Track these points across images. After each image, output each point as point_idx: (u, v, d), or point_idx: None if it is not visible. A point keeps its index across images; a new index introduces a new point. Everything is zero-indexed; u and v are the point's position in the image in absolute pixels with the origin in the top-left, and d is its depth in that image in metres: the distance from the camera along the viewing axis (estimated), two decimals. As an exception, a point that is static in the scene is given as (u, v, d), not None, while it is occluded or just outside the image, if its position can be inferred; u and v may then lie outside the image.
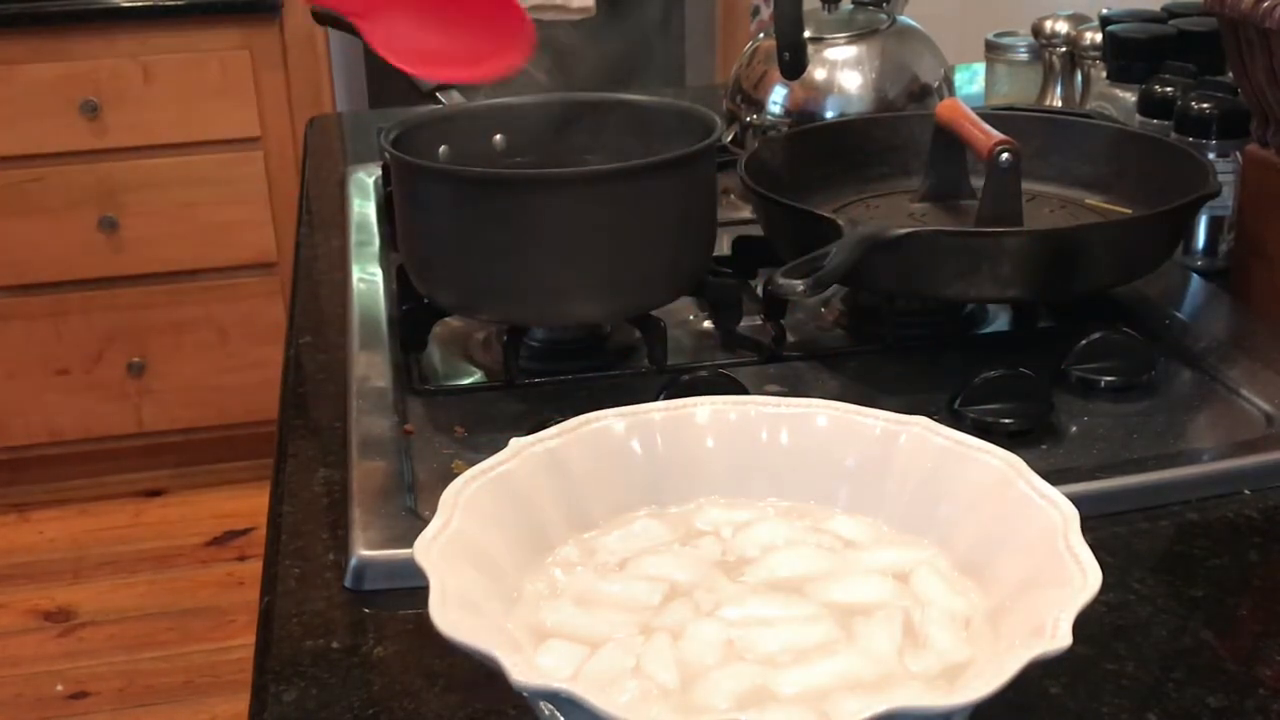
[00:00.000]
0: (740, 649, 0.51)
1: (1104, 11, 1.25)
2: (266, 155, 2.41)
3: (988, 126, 0.91)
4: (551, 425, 0.60)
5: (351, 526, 0.68)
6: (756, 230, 0.99)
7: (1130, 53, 1.15)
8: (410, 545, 0.50)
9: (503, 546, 0.54)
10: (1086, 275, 0.85)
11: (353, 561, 0.66)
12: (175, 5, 2.30)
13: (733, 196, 1.17)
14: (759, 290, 0.95)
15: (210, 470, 2.60)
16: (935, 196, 1.01)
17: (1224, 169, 0.99)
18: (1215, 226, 1.03)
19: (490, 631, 0.48)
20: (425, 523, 0.52)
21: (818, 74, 1.17)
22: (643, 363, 0.88)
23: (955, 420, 0.76)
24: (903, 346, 0.90)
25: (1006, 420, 0.77)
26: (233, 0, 2.31)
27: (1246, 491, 0.72)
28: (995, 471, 0.56)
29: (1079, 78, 1.30)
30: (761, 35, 1.24)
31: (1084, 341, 0.84)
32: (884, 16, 1.22)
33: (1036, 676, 0.56)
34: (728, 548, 0.58)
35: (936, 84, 1.20)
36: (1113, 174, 1.01)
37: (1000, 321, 0.96)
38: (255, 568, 1.93)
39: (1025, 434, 0.77)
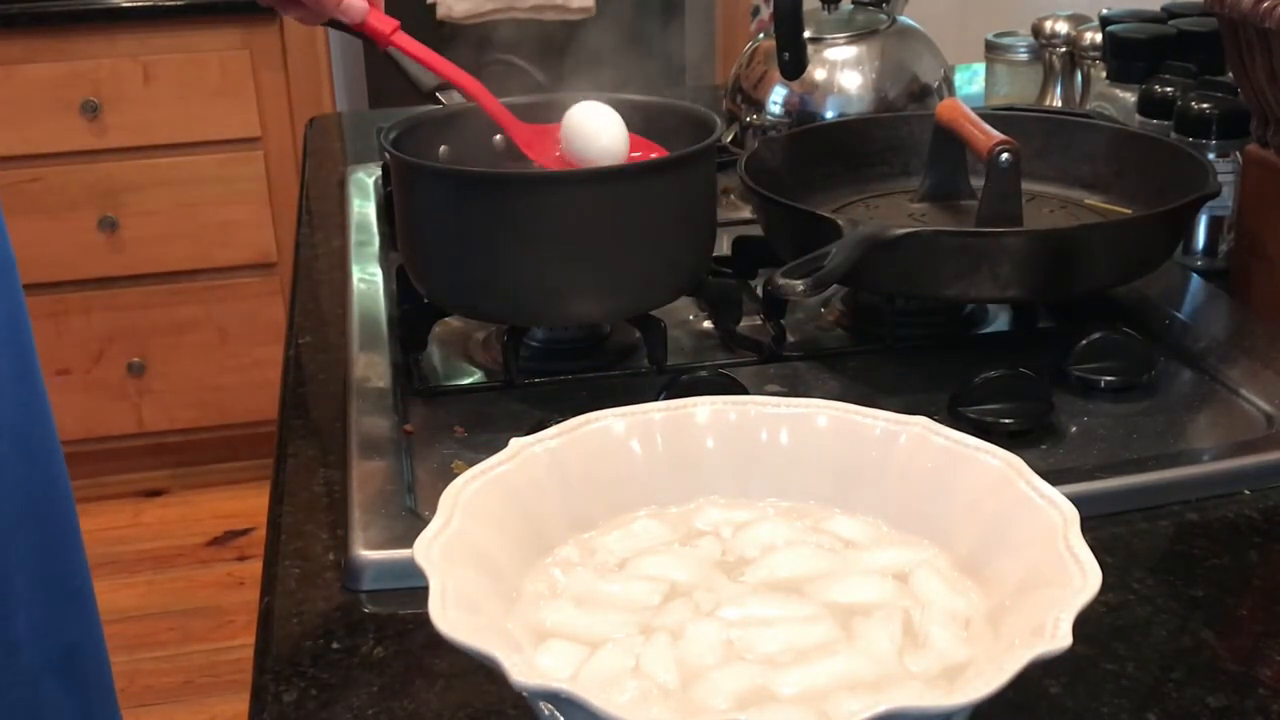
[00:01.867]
0: (740, 649, 0.51)
1: (1104, 11, 1.25)
2: (266, 155, 2.41)
3: (988, 126, 0.91)
4: (551, 425, 0.60)
5: (351, 526, 0.68)
6: (756, 230, 0.99)
7: (1130, 53, 1.15)
8: (410, 545, 0.50)
9: (503, 546, 0.54)
10: (1086, 275, 0.85)
11: (353, 561, 0.66)
12: (175, 5, 2.30)
13: (733, 196, 1.17)
14: (759, 290, 0.95)
15: (210, 470, 2.60)
16: (935, 196, 1.01)
17: (1224, 169, 0.99)
18: (1215, 226, 1.03)
19: (490, 631, 0.48)
20: (425, 523, 0.52)
21: (818, 74, 1.17)
22: (643, 363, 0.88)
23: (955, 420, 0.76)
24: (903, 346, 0.90)
25: (1006, 420, 0.77)
26: (233, 0, 2.31)
27: (1246, 491, 0.72)
28: (995, 471, 0.56)
29: (1079, 78, 1.30)
30: (761, 35, 1.24)
31: (1084, 341, 0.84)
32: (884, 16, 1.22)
33: (1036, 676, 0.56)
34: (728, 548, 0.58)
35: (936, 84, 1.20)
36: (1113, 174, 1.01)
37: (1000, 321, 0.96)
38: (255, 568, 1.93)
39: (1025, 434, 0.77)
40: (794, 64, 1.13)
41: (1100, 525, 0.68)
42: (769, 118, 1.19)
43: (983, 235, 0.85)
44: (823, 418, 0.61)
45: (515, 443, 0.58)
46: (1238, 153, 0.99)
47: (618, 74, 1.12)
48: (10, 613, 0.89)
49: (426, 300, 0.89)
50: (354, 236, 1.13)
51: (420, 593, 0.48)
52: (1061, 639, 0.44)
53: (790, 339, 0.92)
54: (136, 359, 2.49)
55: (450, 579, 0.48)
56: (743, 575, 0.56)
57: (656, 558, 0.57)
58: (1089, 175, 1.02)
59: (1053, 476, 0.55)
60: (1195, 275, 1.00)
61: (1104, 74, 1.20)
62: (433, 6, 2.40)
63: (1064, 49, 1.32)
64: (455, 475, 0.55)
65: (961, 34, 1.73)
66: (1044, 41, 1.34)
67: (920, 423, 0.59)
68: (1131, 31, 1.15)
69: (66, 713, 0.96)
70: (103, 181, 2.36)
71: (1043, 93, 1.35)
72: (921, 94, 1.19)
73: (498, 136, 0.95)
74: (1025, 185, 0.90)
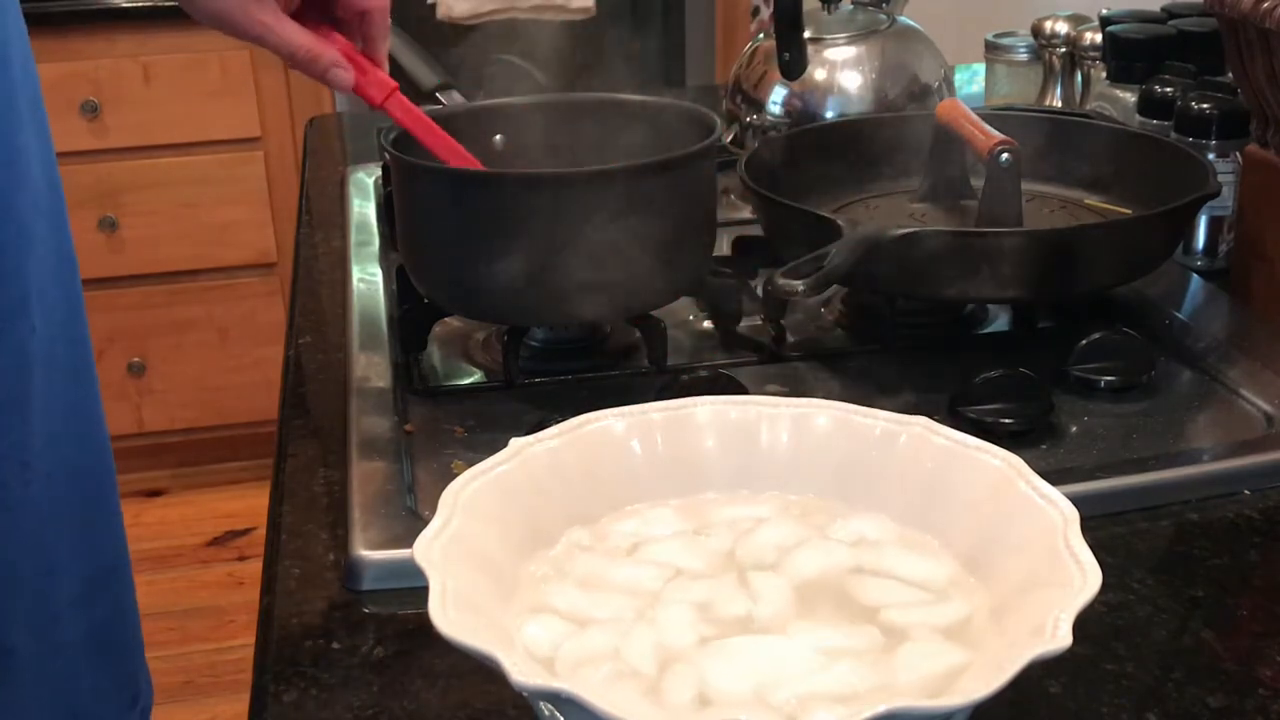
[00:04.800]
0: (737, 644, 0.51)
1: (1104, 11, 1.25)
2: (266, 155, 2.41)
3: (988, 126, 0.91)
4: (551, 425, 0.60)
5: (351, 526, 0.68)
6: (756, 230, 0.99)
7: (1130, 53, 1.15)
8: (410, 545, 0.50)
9: (503, 546, 0.54)
10: (1086, 275, 0.85)
11: (353, 561, 0.66)
12: (175, 5, 2.30)
13: (733, 196, 1.17)
14: (759, 290, 0.95)
15: (210, 470, 2.60)
16: (935, 196, 1.01)
17: (1224, 169, 0.99)
18: (1215, 226, 1.03)
19: (490, 631, 0.48)
20: (425, 523, 0.52)
21: (818, 74, 1.17)
22: (643, 363, 0.88)
23: (955, 420, 0.76)
24: (903, 346, 0.90)
25: (1006, 420, 0.77)
26: (233, 0, 2.31)
27: (1246, 491, 0.72)
28: (995, 471, 0.56)
29: (1079, 78, 1.30)
30: (761, 35, 1.24)
31: (1084, 341, 0.84)
32: (884, 17, 1.22)
33: (1036, 676, 0.56)
34: (738, 539, 0.58)
35: (936, 84, 1.20)
36: (1113, 174, 1.01)
37: (1000, 321, 0.96)
38: (255, 568, 1.93)
39: (1025, 434, 0.77)
40: (794, 64, 1.13)
41: (1100, 525, 0.68)
42: (769, 118, 1.19)
43: (983, 235, 0.85)
44: (823, 418, 0.61)
45: (515, 443, 0.58)
46: (1238, 153, 0.99)
47: (617, 74, 1.12)
48: (55, 585, 0.93)
49: (426, 300, 0.89)
50: (354, 236, 1.13)
51: (420, 593, 0.48)
52: (1061, 639, 0.44)
53: (790, 339, 0.92)
54: (136, 359, 2.49)
55: (450, 579, 0.48)
56: (748, 567, 0.56)
57: (665, 544, 0.57)
58: (1089, 175, 1.02)
59: (1053, 476, 0.55)
60: (1195, 275, 1.00)
61: (1104, 74, 1.20)
62: (433, 6, 2.40)
63: (1064, 49, 1.32)
64: (455, 475, 0.55)
65: (961, 34, 1.73)
66: (1044, 42, 1.33)
67: (920, 423, 0.59)
68: (1131, 31, 1.15)
69: (98, 685, 1.00)
70: (103, 181, 2.36)
71: (1043, 93, 1.35)
72: (921, 94, 1.19)
73: (498, 136, 0.95)
74: (1025, 185, 0.90)
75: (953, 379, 0.80)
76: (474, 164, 0.87)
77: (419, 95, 0.98)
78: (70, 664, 0.95)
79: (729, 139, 1.21)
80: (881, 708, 0.41)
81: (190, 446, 2.59)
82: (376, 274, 1.03)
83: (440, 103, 0.96)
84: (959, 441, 0.58)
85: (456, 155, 0.86)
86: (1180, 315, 0.91)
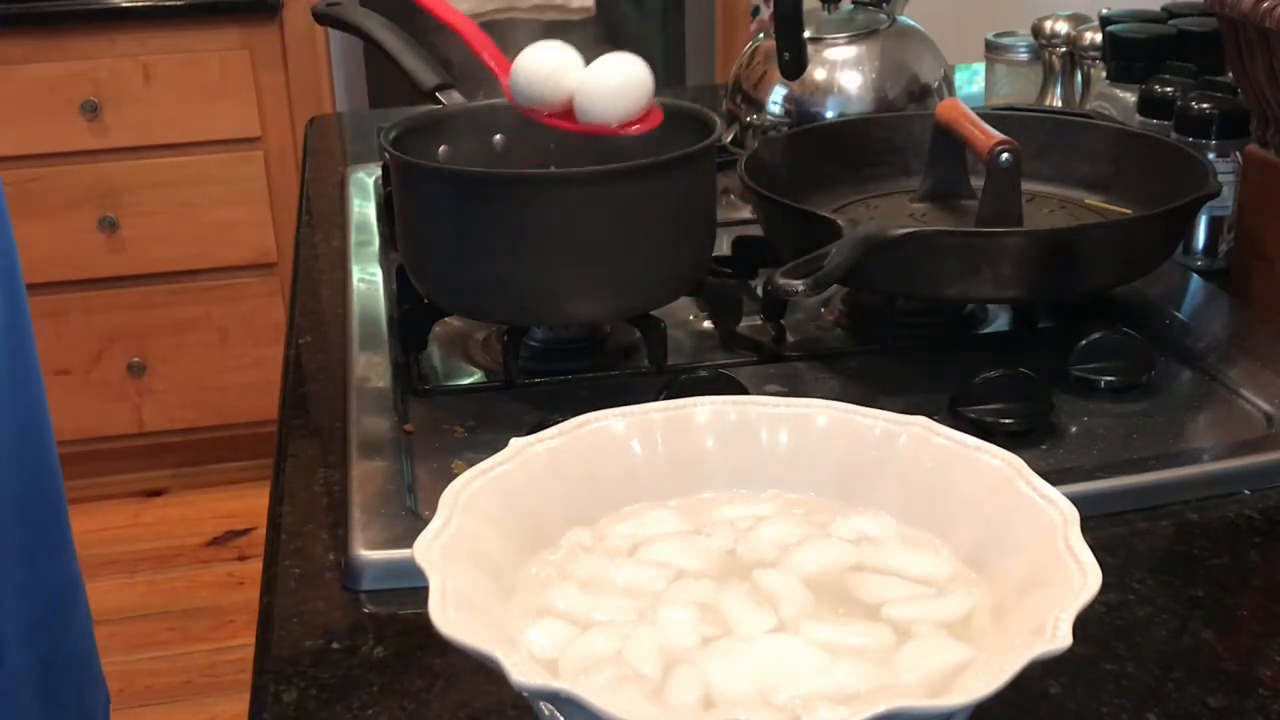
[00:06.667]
0: (735, 644, 0.51)
1: (1104, 11, 1.25)
2: (266, 155, 2.41)
3: (988, 126, 0.91)
4: (551, 425, 0.60)
5: (351, 526, 0.68)
6: (756, 230, 0.99)
7: (1130, 53, 1.15)
8: (410, 545, 0.50)
9: (503, 546, 0.54)
10: (1086, 275, 0.85)
11: (353, 561, 0.66)
12: (175, 5, 2.30)
13: (733, 196, 1.17)
14: (759, 290, 0.95)
15: (210, 470, 2.60)
16: (935, 196, 1.01)
17: (1224, 169, 0.99)
18: (1215, 226, 1.03)
19: (490, 631, 0.48)
20: (425, 523, 0.52)
21: (818, 74, 1.17)
22: (643, 363, 0.88)
23: (955, 420, 0.76)
24: (903, 346, 0.91)
25: (1006, 420, 0.77)
26: (232, 0, 2.31)
27: (1246, 491, 0.72)
28: (995, 471, 0.56)
29: (1079, 78, 1.30)
30: (761, 35, 1.24)
31: (1084, 341, 0.84)
32: (884, 16, 1.22)
33: (1036, 676, 0.56)
34: (739, 538, 0.58)
35: (936, 84, 1.20)
36: (1113, 174, 1.01)
37: (1000, 321, 0.96)
38: (255, 568, 1.93)
39: (1025, 434, 0.77)
40: (794, 64, 1.13)
41: (1100, 525, 0.68)
42: (769, 118, 1.19)
43: (983, 235, 0.85)
44: (823, 418, 0.61)
45: (515, 443, 0.58)
46: (1238, 153, 0.99)
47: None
48: (2, 619, 0.90)
49: (426, 300, 0.89)
50: (354, 236, 1.13)
51: (420, 593, 0.48)
52: (1061, 639, 0.44)
53: (790, 339, 0.92)
54: (136, 359, 2.49)
55: (450, 579, 0.48)
56: (749, 566, 0.56)
57: (666, 544, 0.57)
58: (1089, 175, 1.02)
59: (1053, 476, 0.55)
60: (1195, 275, 1.00)
61: (1104, 74, 1.20)
62: (433, 6, 2.40)
63: (1064, 49, 1.32)
64: (455, 475, 0.55)
65: (961, 34, 1.73)
66: (1044, 41, 1.33)
67: (920, 423, 0.59)
68: (1131, 31, 1.15)
69: (49, 713, 0.96)
70: (103, 181, 2.36)
71: (1043, 93, 1.35)
72: (921, 94, 1.19)
73: (498, 137, 0.95)
74: (1025, 185, 0.90)
75: (953, 379, 0.80)
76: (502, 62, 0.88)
77: (419, 95, 0.98)
78: (14, 699, 0.92)
79: (729, 139, 1.21)
80: (881, 708, 0.41)
81: (190, 446, 2.59)
82: (376, 274, 1.03)
83: (440, 102, 0.96)
84: (959, 441, 0.58)
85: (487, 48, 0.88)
86: (1180, 315, 0.91)
